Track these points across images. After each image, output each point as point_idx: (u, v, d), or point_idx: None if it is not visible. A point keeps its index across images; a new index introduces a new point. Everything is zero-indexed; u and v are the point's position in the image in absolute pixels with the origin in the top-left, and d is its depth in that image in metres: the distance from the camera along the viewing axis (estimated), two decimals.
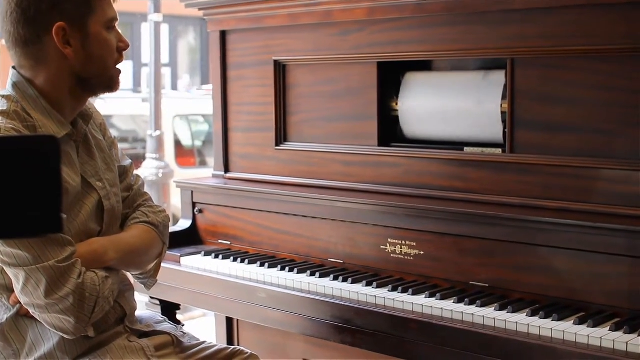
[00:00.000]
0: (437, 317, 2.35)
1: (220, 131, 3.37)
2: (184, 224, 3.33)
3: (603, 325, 2.15)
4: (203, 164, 10.46)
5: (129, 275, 2.39)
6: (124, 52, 2.24)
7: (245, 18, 3.21)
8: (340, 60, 2.97)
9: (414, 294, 2.49)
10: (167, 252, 2.55)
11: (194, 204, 3.32)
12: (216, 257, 3.04)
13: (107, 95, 2.27)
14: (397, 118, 2.93)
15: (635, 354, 2.01)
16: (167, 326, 2.43)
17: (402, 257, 2.67)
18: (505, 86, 2.58)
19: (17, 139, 1.13)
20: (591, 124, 2.42)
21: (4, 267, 2.02)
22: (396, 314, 2.42)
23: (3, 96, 2.11)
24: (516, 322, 2.21)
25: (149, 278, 2.39)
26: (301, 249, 2.97)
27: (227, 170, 3.38)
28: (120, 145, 2.50)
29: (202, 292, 2.96)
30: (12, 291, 2.07)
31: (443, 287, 2.54)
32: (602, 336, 2.08)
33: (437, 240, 2.59)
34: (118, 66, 2.22)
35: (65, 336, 2.06)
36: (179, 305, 3.19)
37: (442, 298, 2.43)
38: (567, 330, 2.13)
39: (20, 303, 2.06)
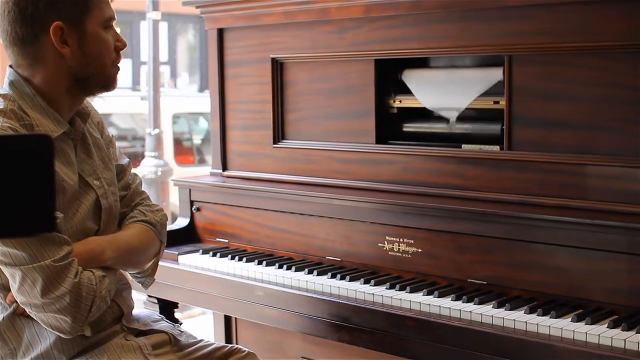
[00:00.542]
0: (434, 315, 2.35)
1: (218, 129, 3.37)
2: (182, 222, 3.33)
3: (601, 323, 2.15)
4: (202, 162, 10.46)
5: (126, 274, 2.38)
6: (121, 51, 2.23)
7: (242, 16, 3.20)
8: (337, 57, 2.96)
9: (411, 291, 2.48)
10: (165, 250, 2.55)
11: (191, 202, 3.32)
12: (214, 255, 3.03)
13: (104, 94, 2.26)
14: (394, 115, 2.93)
15: (634, 351, 2.01)
16: (164, 325, 2.42)
17: (400, 254, 2.66)
18: (502, 83, 2.57)
19: (10, 138, 1.12)
20: (589, 120, 2.41)
21: (1, 267, 2.02)
22: (394, 311, 2.41)
23: (2, 95, 2.10)
24: (514, 320, 2.21)
25: (147, 277, 2.38)
26: (299, 247, 2.97)
27: (224, 168, 3.37)
28: (120, 144, 2.50)
29: (199, 291, 2.95)
30: (9, 290, 2.06)
31: (441, 285, 2.54)
32: (600, 333, 2.07)
33: (435, 237, 2.59)
34: (116, 65, 2.22)
35: (62, 335, 2.06)
36: (177, 303, 3.18)
37: (440, 296, 2.42)
38: (565, 327, 2.13)
39: (16, 302, 2.06)
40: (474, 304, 2.34)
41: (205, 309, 4.21)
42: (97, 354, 2.16)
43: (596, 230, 2.26)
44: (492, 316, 2.25)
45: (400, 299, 2.44)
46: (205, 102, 10.32)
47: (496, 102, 2.65)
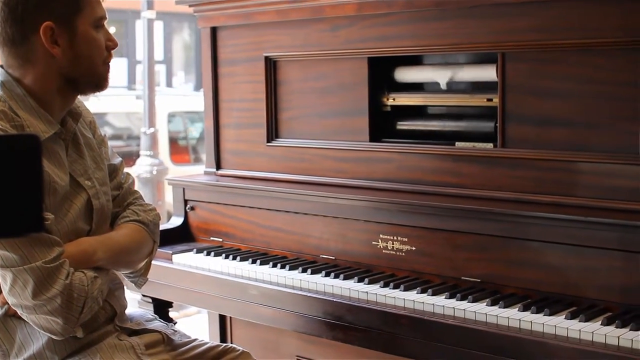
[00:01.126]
0: (428, 313, 2.35)
1: (211, 128, 3.36)
2: (176, 221, 3.32)
3: (595, 320, 2.15)
4: (198, 160, 10.46)
5: (119, 273, 2.37)
6: (112, 51, 2.22)
7: (235, 14, 3.19)
8: (330, 55, 2.96)
9: (405, 289, 2.48)
10: (159, 249, 2.55)
11: (185, 201, 3.31)
12: (208, 254, 3.03)
13: (96, 93, 2.25)
14: (388, 113, 2.92)
15: (628, 349, 2.01)
16: (157, 324, 2.42)
17: (394, 253, 2.66)
18: (496, 80, 2.57)
19: None
20: (583, 117, 2.41)
21: None
22: (388, 310, 2.41)
23: None
24: (508, 317, 2.21)
25: (140, 277, 2.38)
26: (293, 246, 2.97)
27: (218, 167, 3.37)
28: (115, 143, 2.49)
29: (194, 290, 2.95)
30: (0, 292, 2.05)
31: (435, 283, 2.53)
32: (594, 331, 2.07)
33: (429, 235, 2.58)
34: (107, 64, 2.21)
35: (54, 337, 2.05)
36: (171, 302, 3.18)
37: (434, 294, 2.42)
38: (558, 325, 2.12)
39: (8, 304, 2.05)
40: (468, 302, 2.33)
41: (200, 308, 4.20)
42: (89, 354, 2.15)
43: (590, 228, 2.26)
44: (486, 314, 2.25)
45: (394, 297, 2.44)
46: (201, 101, 10.29)
47: (489, 100, 2.64)
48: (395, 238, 2.66)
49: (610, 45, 2.33)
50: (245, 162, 3.27)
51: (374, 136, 2.89)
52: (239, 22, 3.21)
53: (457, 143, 2.71)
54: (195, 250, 3.09)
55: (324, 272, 2.70)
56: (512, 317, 2.20)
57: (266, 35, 3.13)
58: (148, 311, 2.72)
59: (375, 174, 2.86)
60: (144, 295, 3.14)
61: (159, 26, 17.79)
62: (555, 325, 2.12)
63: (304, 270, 2.74)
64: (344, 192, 2.83)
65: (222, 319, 3.39)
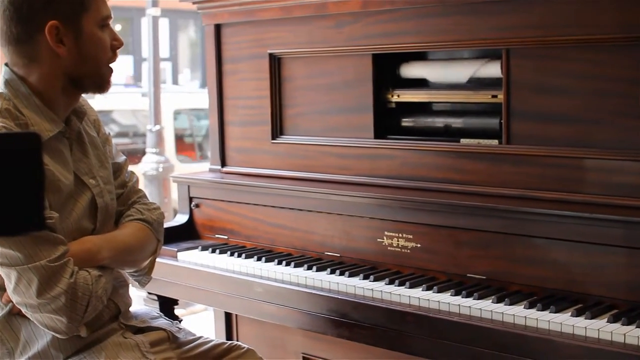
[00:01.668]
0: (434, 310, 2.34)
1: (216, 125, 3.36)
2: (181, 218, 3.32)
3: (601, 317, 2.14)
4: (204, 158, 10.45)
5: (123, 271, 2.37)
6: (117, 51, 2.22)
7: (239, 11, 3.19)
8: (335, 52, 2.95)
9: (410, 287, 2.47)
10: (164, 247, 2.55)
11: (190, 199, 3.31)
12: (213, 251, 3.03)
13: (97, 95, 2.25)
14: (392, 110, 2.92)
15: (634, 346, 2.00)
16: (162, 322, 2.42)
17: (399, 250, 2.65)
18: (501, 77, 2.56)
19: None
20: (588, 114, 2.40)
21: None
22: (393, 307, 2.40)
23: None
24: (513, 315, 2.20)
25: (144, 275, 2.37)
26: (298, 243, 2.96)
27: (223, 164, 3.36)
28: (121, 140, 2.49)
29: (199, 287, 2.95)
30: (4, 290, 2.05)
31: (440, 280, 2.53)
32: (599, 328, 2.06)
33: (434, 232, 2.58)
34: (110, 65, 2.20)
35: (58, 336, 2.05)
36: (177, 300, 3.18)
37: (439, 291, 2.42)
38: (564, 322, 2.12)
39: (12, 302, 2.05)
40: (473, 299, 2.33)
41: (205, 305, 4.20)
42: (94, 352, 2.15)
43: (595, 224, 2.25)
44: (491, 311, 2.24)
45: (400, 294, 2.43)
46: (207, 98, 10.28)
47: (494, 96, 2.63)
48: (400, 235, 2.65)
49: (615, 41, 2.32)
50: (250, 159, 3.27)
51: (379, 133, 2.88)
52: (243, 19, 3.20)
53: (461, 140, 2.70)
54: (200, 247, 3.08)
55: (329, 270, 2.69)
56: (517, 314, 2.19)
57: (270, 32, 3.13)
58: (153, 309, 2.72)
59: (380, 171, 2.85)
60: (149, 293, 3.14)
61: (164, 23, 17.79)
62: (561, 323, 2.12)
63: (309, 268, 2.73)
64: (348, 189, 2.82)
65: (228, 316, 3.39)
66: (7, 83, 2.11)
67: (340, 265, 2.74)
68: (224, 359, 2.39)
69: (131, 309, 2.37)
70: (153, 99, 8.05)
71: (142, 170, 7.97)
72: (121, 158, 2.41)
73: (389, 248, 2.68)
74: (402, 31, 2.75)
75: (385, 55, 2.86)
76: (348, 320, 2.49)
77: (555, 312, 2.18)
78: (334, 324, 2.53)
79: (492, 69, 2.63)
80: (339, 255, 2.83)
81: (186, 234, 3.27)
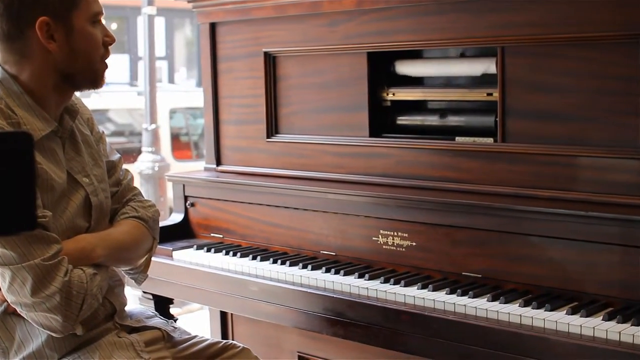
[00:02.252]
0: (429, 309, 2.34)
1: (211, 124, 3.36)
2: (176, 217, 3.31)
3: (596, 315, 2.14)
4: (200, 157, 10.44)
5: (119, 270, 2.37)
6: (110, 47, 2.21)
7: (234, 10, 3.18)
8: (329, 51, 2.95)
9: (406, 285, 2.47)
10: (159, 246, 2.54)
11: (185, 198, 3.30)
12: (208, 250, 3.02)
13: (92, 90, 2.25)
14: (388, 108, 2.91)
15: (629, 344, 2.00)
16: (157, 321, 2.41)
17: (394, 248, 2.65)
18: (496, 75, 2.56)
19: None
20: (583, 112, 2.40)
21: None
22: (388, 305, 2.40)
23: None
24: (509, 313, 2.20)
25: (139, 273, 2.37)
26: (293, 242, 2.96)
27: (218, 163, 3.36)
28: (117, 139, 2.48)
29: (194, 286, 2.94)
30: None
31: (435, 278, 2.52)
32: (595, 326, 2.06)
33: (429, 231, 2.57)
34: (105, 62, 2.20)
35: (53, 334, 2.05)
36: (172, 299, 3.17)
37: (435, 289, 2.41)
38: (559, 320, 2.11)
39: (7, 301, 2.04)
40: (469, 298, 2.32)
41: (200, 304, 4.20)
42: (89, 351, 2.15)
43: (590, 222, 2.25)
44: (486, 309, 2.24)
45: (395, 293, 2.43)
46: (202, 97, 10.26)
47: (489, 94, 2.63)
48: (395, 233, 2.65)
49: (610, 39, 2.32)
50: (245, 158, 3.26)
51: (374, 131, 2.88)
52: (237, 18, 3.20)
53: (457, 138, 2.69)
54: (195, 246, 3.08)
55: (324, 268, 2.69)
56: (512, 312, 2.19)
57: (265, 30, 3.12)
58: (148, 308, 2.71)
59: (375, 169, 2.85)
60: (144, 292, 3.14)
61: (160, 22, 17.77)
62: (556, 321, 2.11)
63: (304, 266, 2.73)
64: (344, 188, 2.82)
65: (224, 315, 3.39)
66: (0, 83, 2.10)
67: (336, 264, 2.74)
68: (219, 358, 2.39)
69: (126, 308, 2.36)
70: (149, 97, 8.03)
71: (137, 169, 7.96)
72: (115, 156, 2.41)
73: (384, 247, 2.68)
74: (397, 29, 2.75)
75: (380, 53, 2.86)
76: (343, 319, 2.49)
77: (551, 310, 2.18)
78: (329, 322, 2.53)
79: (487, 67, 2.63)
80: (334, 254, 2.83)
81: (181, 233, 3.27)
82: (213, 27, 3.30)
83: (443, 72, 2.81)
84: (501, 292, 2.35)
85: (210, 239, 3.21)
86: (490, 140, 2.61)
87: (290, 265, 2.77)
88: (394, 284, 2.49)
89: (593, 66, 2.37)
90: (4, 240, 1.94)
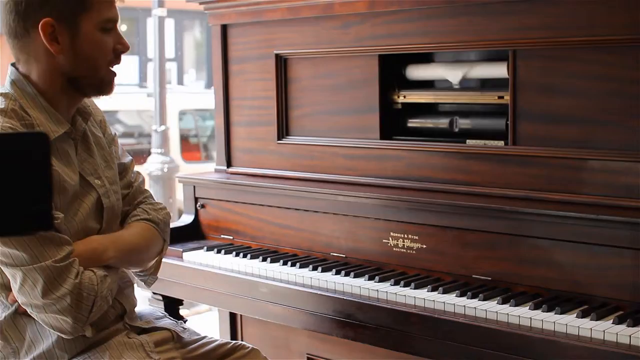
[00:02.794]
0: (439, 311, 2.34)
1: (222, 126, 3.36)
2: (186, 219, 3.32)
3: (606, 318, 2.14)
4: (209, 158, 10.46)
5: (129, 271, 2.37)
6: (122, 55, 2.18)
7: (246, 12, 3.19)
8: (341, 53, 2.95)
9: (416, 287, 2.47)
10: (170, 247, 2.55)
11: (196, 199, 3.31)
12: (218, 252, 3.03)
13: (100, 97, 2.23)
14: (399, 111, 2.92)
15: (639, 347, 1.99)
16: (167, 322, 2.42)
17: (405, 250, 2.65)
18: (507, 78, 2.56)
19: (6, 136, 1.12)
20: (594, 115, 2.40)
21: (2, 267, 2.01)
22: (398, 308, 2.40)
23: (1, 94, 2.09)
24: (519, 316, 2.20)
25: (150, 275, 2.38)
26: (303, 243, 2.96)
27: (229, 164, 3.36)
28: (126, 141, 2.48)
29: (204, 287, 2.95)
30: (10, 290, 2.05)
31: (445, 281, 2.53)
32: (605, 329, 2.06)
33: (440, 233, 2.58)
34: (113, 69, 2.18)
35: (64, 336, 2.05)
36: (182, 300, 3.18)
37: (445, 292, 2.41)
38: (569, 323, 2.11)
39: (18, 302, 2.05)
40: (479, 300, 2.33)
41: (210, 306, 4.21)
42: (99, 352, 2.15)
43: (601, 226, 2.25)
44: (496, 312, 2.24)
45: (405, 295, 2.43)
46: (212, 99, 10.27)
47: (500, 97, 2.63)
48: (405, 236, 2.65)
49: (621, 42, 2.32)
50: (255, 159, 3.27)
51: (385, 134, 2.88)
52: (249, 20, 3.20)
53: (467, 141, 2.70)
54: (205, 248, 3.09)
55: (334, 270, 2.69)
56: (522, 315, 2.19)
57: (277, 32, 3.13)
58: (158, 309, 2.72)
59: (386, 172, 2.85)
60: (154, 293, 3.14)
61: (170, 24, 17.79)
62: (566, 324, 2.11)
63: (315, 268, 2.74)
64: (354, 190, 2.82)
65: (233, 316, 3.39)
66: (13, 83, 2.11)
67: (346, 266, 2.74)
68: (228, 359, 2.40)
69: (136, 309, 2.37)
70: (158, 99, 8.05)
71: (147, 170, 7.98)
72: (127, 158, 2.41)
73: (394, 249, 2.68)
74: (409, 32, 2.75)
75: (391, 56, 2.86)
76: (353, 321, 2.49)
77: (561, 313, 2.18)
78: (338, 324, 2.53)
79: (499, 70, 2.63)
80: (344, 256, 2.83)
81: (192, 234, 3.27)
82: (225, 28, 3.30)
83: (454, 74, 2.81)
84: (511, 295, 2.35)
85: (220, 241, 3.22)
86: (500, 143, 2.61)
87: (300, 267, 2.77)
88: (404, 286, 2.50)
89: (604, 69, 2.37)
90: (16, 241, 1.95)
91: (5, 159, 1.09)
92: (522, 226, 2.40)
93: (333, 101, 3.01)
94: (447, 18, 2.66)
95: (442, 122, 2.86)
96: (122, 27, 2.27)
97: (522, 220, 2.40)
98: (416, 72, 2.88)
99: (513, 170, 2.55)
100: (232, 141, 3.35)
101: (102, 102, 2.39)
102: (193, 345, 2.37)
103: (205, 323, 5.43)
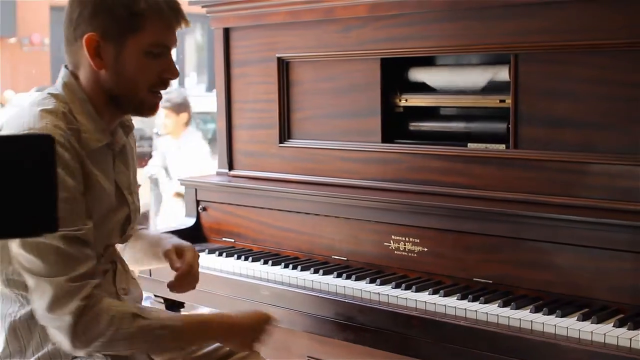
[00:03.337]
0: (440, 314, 2.35)
1: (224, 129, 3.37)
2: (188, 222, 3.33)
3: (607, 322, 2.14)
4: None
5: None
6: (169, 81, 2.15)
7: (248, 15, 3.20)
8: (343, 56, 2.96)
9: (417, 290, 2.48)
10: None
11: (197, 202, 3.32)
12: (220, 254, 3.03)
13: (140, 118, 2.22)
14: (400, 114, 2.92)
15: (639, 350, 2.00)
16: None
17: (406, 253, 2.66)
18: (508, 81, 2.57)
19: (12, 138, 1.12)
20: (596, 119, 2.40)
21: (20, 268, 2.02)
22: (399, 310, 2.41)
23: (52, 94, 2.08)
24: (520, 319, 2.21)
25: None
26: (304, 246, 2.97)
27: (231, 167, 3.37)
28: None
29: (206, 290, 2.94)
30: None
31: (446, 284, 2.53)
32: (605, 332, 2.07)
33: (441, 236, 2.58)
34: (156, 92, 2.15)
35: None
36: (183, 303, 3.19)
37: (446, 295, 2.42)
38: (570, 326, 2.12)
39: None
40: (480, 303, 2.33)
41: (212, 308, 4.20)
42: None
43: (602, 229, 2.25)
44: (497, 315, 2.24)
45: (406, 299, 2.44)
46: (213, 102, 10.26)
47: (502, 101, 2.64)
48: (407, 239, 2.66)
49: (622, 46, 2.33)
50: (257, 162, 3.28)
51: (386, 137, 2.89)
52: (251, 23, 3.21)
53: (469, 144, 2.70)
54: (207, 250, 3.09)
55: (335, 273, 2.70)
56: (523, 318, 2.20)
57: (279, 36, 3.14)
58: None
59: (387, 175, 2.86)
60: (155, 295, 3.15)
61: None
62: (567, 327, 2.12)
63: (316, 271, 2.74)
64: (355, 193, 2.83)
65: None
66: (66, 86, 2.10)
67: (347, 269, 2.75)
68: (235, 355, 2.40)
69: None
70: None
71: (148, 173, 7.98)
72: None
73: (395, 252, 2.69)
74: (410, 36, 2.76)
75: (393, 59, 2.87)
76: (354, 324, 2.49)
77: (562, 316, 2.19)
78: (339, 327, 2.54)
79: (500, 74, 2.64)
80: (345, 259, 2.84)
81: (193, 237, 3.26)
82: (227, 32, 3.31)
83: (456, 78, 2.81)
84: (512, 298, 2.36)
85: (221, 244, 3.23)
86: (502, 146, 2.62)
87: (301, 270, 2.78)
88: (405, 289, 2.50)
89: (605, 73, 2.37)
90: (38, 249, 1.93)
91: (11, 160, 1.09)
92: (522, 229, 2.41)
93: (335, 104, 3.01)
94: (448, 22, 2.66)
95: (444, 126, 2.87)
96: None
97: (523, 223, 2.40)
98: (418, 75, 2.89)
99: (514, 174, 2.56)
100: (234, 144, 3.36)
101: None
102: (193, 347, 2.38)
103: None
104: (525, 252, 2.40)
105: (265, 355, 2.48)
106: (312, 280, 2.67)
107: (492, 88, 2.71)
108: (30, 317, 2.12)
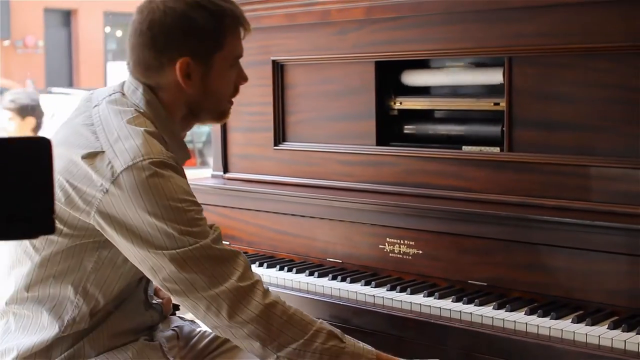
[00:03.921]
0: (435, 316, 2.35)
1: (219, 131, 3.37)
2: None
3: (601, 324, 2.15)
4: (204, 164, 10.46)
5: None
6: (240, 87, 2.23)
7: None
8: (338, 59, 2.97)
9: (412, 293, 2.49)
10: None
11: None
12: None
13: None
14: (395, 117, 2.93)
15: (634, 352, 2.01)
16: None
17: (401, 256, 2.67)
18: (502, 84, 2.58)
19: (8, 141, 1.13)
20: (589, 121, 2.41)
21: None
22: (394, 313, 2.42)
23: (141, 113, 2.05)
24: (514, 321, 2.21)
25: None
26: (300, 249, 2.97)
27: (226, 170, 3.37)
28: None
29: None
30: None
31: (441, 286, 2.54)
32: (600, 334, 2.07)
33: (436, 239, 2.59)
34: (232, 100, 2.23)
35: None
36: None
37: (441, 297, 2.43)
38: (565, 328, 2.13)
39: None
40: (475, 305, 2.34)
41: None
42: (122, 350, 2.16)
43: (597, 232, 2.26)
44: (492, 317, 2.25)
45: (401, 301, 2.44)
46: None
47: (496, 104, 2.65)
48: (402, 241, 2.67)
49: (616, 50, 2.34)
50: (252, 165, 3.28)
51: (381, 140, 2.90)
52: None
53: (463, 147, 2.71)
54: None
55: (330, 276, 2.71)
56: (518, 320, 2.21)
57: (274, 39, 3.15)
58: None
59: (382, 178, 2.86)
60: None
61: None
62: (561, 329, 2.13)
63: (311, 274, 2.75)
64: (350, 196, 2.84)
65: None
66: (149, 104, 2.08)
67: (342, 272, 2.75)
68: (225, 346, 2.41)
69: None
70: None
71: None
72: None
73: (390, 254, 2.70)
74: (406, 39, 2.77)
75: (388, 62, 2.87)
76: (349, 326, 2.49)
77: (556, 318, 2.20)
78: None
79: (495, 77, 2.64)
80: (340, 261, 2.84)
81: None
82: None
83: (450, 81, 2.82)
84: (507, 300, 2.36)
85: None
86: (496, 149, 2.62)
87: (296, 273, 2.79)
88: (400, 291, 2.51)
89: (600, 76, 2.38)
90: (194, 264, 1.93)
91: (8, 164, 1.10)
92: (517, 232, 2.41)
93: (330, 107, 3.02)
94: (443, 25, 2.67)
95: (438, 129, 2.88)
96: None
97: (518, 226, 2.41)
98: (413, 78, 2.90)
99: (509, 177, 2.56)
100: (229, 147, 3.36)
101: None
102: (193, 340, 2.41)
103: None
104: (520, 255, 2.41)
105: None
106: (307, 283, 2.68)
107: (486, 91, 2.73)
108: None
